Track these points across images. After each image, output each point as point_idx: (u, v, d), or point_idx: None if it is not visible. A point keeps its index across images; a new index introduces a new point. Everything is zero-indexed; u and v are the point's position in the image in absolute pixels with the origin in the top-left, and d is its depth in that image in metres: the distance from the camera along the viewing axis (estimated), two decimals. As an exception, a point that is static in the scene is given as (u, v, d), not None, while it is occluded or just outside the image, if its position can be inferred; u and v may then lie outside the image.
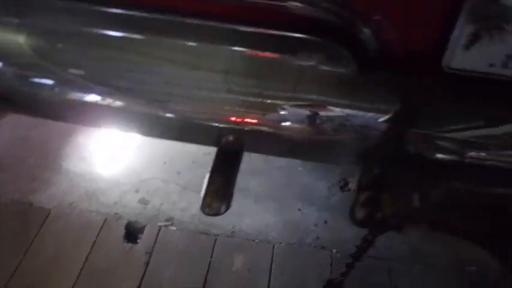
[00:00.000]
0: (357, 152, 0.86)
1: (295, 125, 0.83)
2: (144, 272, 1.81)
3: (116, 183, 2.11)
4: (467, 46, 0.75)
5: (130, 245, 1.90)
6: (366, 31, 0.77)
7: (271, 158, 2.26)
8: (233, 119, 0.86)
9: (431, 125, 0.80)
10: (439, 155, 0.81)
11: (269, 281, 1.81)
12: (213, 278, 1.81)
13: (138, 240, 1.92)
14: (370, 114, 0.78)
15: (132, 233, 1.95)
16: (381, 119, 0.78)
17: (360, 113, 0.79)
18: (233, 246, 1.93)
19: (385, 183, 0.84)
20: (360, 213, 0.88)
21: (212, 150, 2.41)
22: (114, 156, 2.24)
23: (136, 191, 2.09)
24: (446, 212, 0.87)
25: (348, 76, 0.79)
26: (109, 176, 2.15)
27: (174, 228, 1.98)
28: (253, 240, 1.96)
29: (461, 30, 0.74)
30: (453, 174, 0.84)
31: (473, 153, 0.81)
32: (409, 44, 0.78)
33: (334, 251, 1.94)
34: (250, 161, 2.25)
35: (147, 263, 1.84)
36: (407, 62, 0.79)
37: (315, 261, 1.91)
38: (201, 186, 2.15)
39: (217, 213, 0.97)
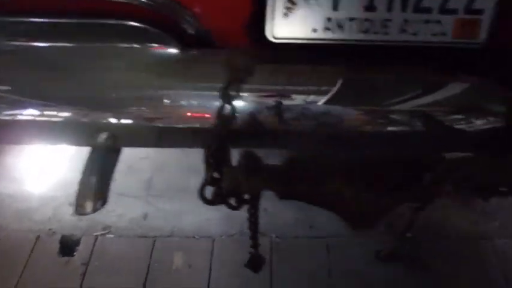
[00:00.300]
0: (193, 132, 0.88)
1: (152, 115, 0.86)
2: (81, 282, 1.77)
3: (49, 199, 2.06)
4: (286, 14, 0.78)
5: (66, 258, 1.86)
6: (187, 13, 0.79)
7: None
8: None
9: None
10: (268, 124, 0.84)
11: (209, 275, 1.81)
12: (153, 279, 1.80)
13: (75, 253, 1.88)
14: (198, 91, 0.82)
15: (67, 246, 1.91)
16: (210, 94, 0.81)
17: (188, 92, 0.82)
18: (173, 245, 1.91)
19: (225, 160, 0.85)
20: (208, 192, 0.90)
21: (149, 155, 2.37)
22: (45, 172, 2.19)
23: (70, 204, 2.04)
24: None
25: (172, 57, 0.82)
26: (42, 193, 2.10)
27: (112, 235, 1.95)
28: (193, 237, 1.95)
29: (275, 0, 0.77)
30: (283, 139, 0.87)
31: (302, 121, 0.84)
32: (232, 19, 0.80)
33: (273, 236, 1.95)
34: (187, 159, 2.25)
35: (84, 274, 1.80)
36: (235, 37, 0.81)
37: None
38: (139, 191, 2.12)
39: (88, 212, 0.97)
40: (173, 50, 0.85)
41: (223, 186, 0.88)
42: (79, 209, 0.98)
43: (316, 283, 1.81)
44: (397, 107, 0.87)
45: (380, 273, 1.82)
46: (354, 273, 1.83)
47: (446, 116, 0.88)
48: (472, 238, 2.00)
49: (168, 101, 0.85)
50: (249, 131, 0.86)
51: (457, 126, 0.89)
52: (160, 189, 2.12)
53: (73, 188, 2.04)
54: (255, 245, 1.21)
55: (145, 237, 1.94)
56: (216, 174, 0.88)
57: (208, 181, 0.88)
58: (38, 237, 1.91)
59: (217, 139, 0.83)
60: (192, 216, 2.00)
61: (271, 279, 1.81)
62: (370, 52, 0.84)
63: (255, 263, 1.24)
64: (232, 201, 0.94)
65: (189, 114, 0.87)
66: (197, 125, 0.88)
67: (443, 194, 0.99)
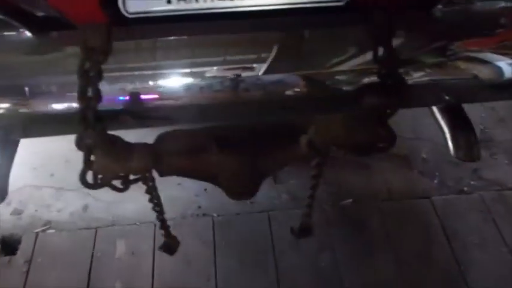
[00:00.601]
0: (60, 118, 0.86)
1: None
2: (25, 280, 1.76)
3: (-14, 201, 2.01)
4: None
5: (8, 258, 1.83)
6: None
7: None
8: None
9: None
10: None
11: (153, 260, 1.81)
12: (97, 268, 1.79)
13: (17, 251, 1.85)
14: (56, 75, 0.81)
15: (8, 246, 1.88)
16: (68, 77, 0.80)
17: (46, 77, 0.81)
18: (115, 234, 1.91)
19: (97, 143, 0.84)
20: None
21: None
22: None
23: (8, 204, 2.01)
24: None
25: (24, 42, 0.80)
26: (-23, 195, 2.04)
27: (53, 231, 1.93)
28: (135, 224, 1.94)
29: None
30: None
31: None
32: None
33: (215, 215, 1.96)
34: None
35: (27, 271, 1.79)
36: (90, 15, 0.79)
37: (198, 229, 1.92)
38: (76, 183, 2.09)
39: None
40: (25, 36, 0.82)
41: (95, 169, 0.86)
42: None
43: (259, 256, 1.83)
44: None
45: (324, 239, 1.86)
46: (297, 242, 1.86)
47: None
48: (412, 197, 2.05)
49: (28, 89, 0.82)
50: (113, 111, 0.84)
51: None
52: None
53: (9, 188, 2.02)
54: (166, 232, 1.21)
55: (87, 228, 1.92)
56: (92, 157, 0.86)
57: (86, 165, 0.86)
58: (-23, 239, 1.88)
59: (84, 123, 0.81)
60: (132, 204, 1.99)
61: (215, 258, 1.82)
62: (231, 19, 0.83)
63: (168, 246, 1.25)
64: (117, 183, 0.93)
65: (51, 100, 0.84)
66: (63, 110, 0.85)
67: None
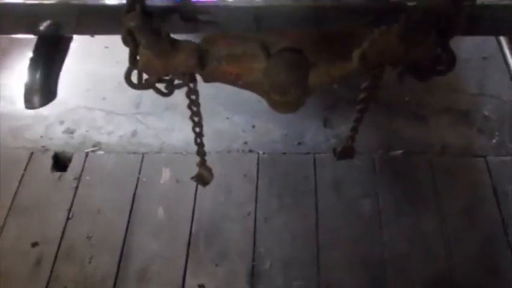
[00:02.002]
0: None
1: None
2: (74, 195, 1.84)
3: (41, 118, 2.09)
4: None
5: (58, 174, 1.92)
6: None
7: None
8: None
9: None
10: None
11: (196, 190, 1.84)
12: (142, 192, 1.84)
13: (67, 169, 1.93)
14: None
15: (60, 162, 1.96)
16: None
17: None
18: (161, 161, 1.94)
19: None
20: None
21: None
22: (37, 91, 2.19)
23: (61, 122, 2.07)
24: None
25: None
26: (33, 112, 2.11)
27: (102, 152, 1.98)
28: (181, 153, 1.96)
29: None
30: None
31: None
32: None
33: (261, 152, 1.95)
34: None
35: (76, 187, 1.87)
36: None
37: (242, 164, 1.92)
38: (128, 108, 2.11)
39: (36, 107, 0.94)
40: None
41: (140, 66, 0.83)
42: (27, 104, 0.97)
43: (301, 196, 1.82)
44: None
45: (368, 187, 1.82)
46: (340, 186, 1.83)
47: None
48: (466, 155, 1.95)
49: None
50: (162, 8, 0.80)
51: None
52: (149, 106, 2.11)
53: (63, 107, 2.07)
54: (201, 161, 1.18)
55: (135, 153, 1.96)
56: (137, 57, 0.83)
57: (131, 62, 0.83)
58: (32, 154, 1.96)
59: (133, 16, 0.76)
60: (179, 134, 2.00)
61: (257, 194, 1.83)
62: None
63: (201, 177, 1.24)
64: (161, 86, 0.91)
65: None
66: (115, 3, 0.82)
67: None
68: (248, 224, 1.76)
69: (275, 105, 0.91)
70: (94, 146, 1.99)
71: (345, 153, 1.24)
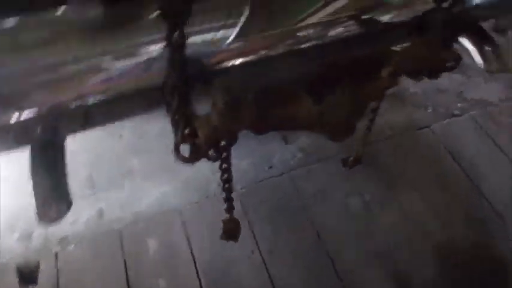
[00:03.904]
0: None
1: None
2: (59, 304, 1.63)
3: (-15, 232, 1.81)
4: None
5: (31, 286, 1.68)
6: None
7: (144, 131, 2.13)
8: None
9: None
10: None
11: (189, 245, 1.75)
12: (134, 271, 1.70)
13: (37, 280, 1.70)
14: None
15: (26, 275, 1.71)
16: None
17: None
18: (141, 231, 1.81)
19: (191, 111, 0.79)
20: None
21: (78, 149, 2.14)
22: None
23: (12, 229, 1.83)
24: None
25: None
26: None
27: (72, 246, 1.78)
28: (158, 215, 1.85)
29: None
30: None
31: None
32: None
33: (238, 188, 1.92)
34: (122, 141, 2.09)
35: (58, 294, 1.65)
36: None
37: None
38: (84, 189, 1.92)
39: (58, 218, 0.84)
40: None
41: (200, 138, 0.81)
42: (42, 219, 0.84)
43: (293, 215, 1.83)
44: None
45: (350, 184, 1.90)
46: (323, 192, 1.89)
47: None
48: (412, 129, 2.14)
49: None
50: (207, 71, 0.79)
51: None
52: (104, 182, 1.97)
53: (10, 211, 1.83)
54: (229, 207, 1.15)
55: (109, 233, 1.80)
56: (187, 130, 0.81)
57: (181, 139, 0.80)
58: (-11, 276, 1.69)
59: (174, 91, 0.74)
60: (148, 197, 1.89)
61: (252, 229, 1.80)
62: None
63: (230, 230, 1.19)
64: (211, 152, 0.88)
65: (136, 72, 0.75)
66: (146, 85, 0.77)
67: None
68: (256, 262, 1.72)
69: (336, 137, 0.95)
70: (60, 242, 1.79)
71: (355, 162, 1.32)
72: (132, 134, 2.11)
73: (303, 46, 0.84)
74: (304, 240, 1.77)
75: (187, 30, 0.72)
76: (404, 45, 0.97)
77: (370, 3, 0.88)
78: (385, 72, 0.95)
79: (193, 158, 0.85)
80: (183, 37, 0.70)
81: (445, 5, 0.88)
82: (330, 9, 0.83)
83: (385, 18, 0.89)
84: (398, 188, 1.91)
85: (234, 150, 0.93)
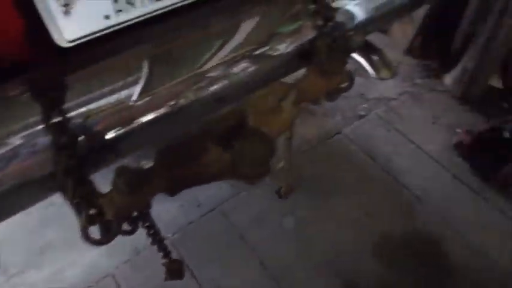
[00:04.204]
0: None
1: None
2: None
3: None
4: (67, 12, 0.66)
5: None
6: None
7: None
8: None
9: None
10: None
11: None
12: None
13: None
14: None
15: None
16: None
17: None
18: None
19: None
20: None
21: None
22: None
23: None
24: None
25: None
26: None
27: None
28: (91, 286, 1.69)
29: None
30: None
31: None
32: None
33: (170, 235, 1.83)
34: (31, 215, 1.89)
35: None
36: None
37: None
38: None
39: None
40: None
41: (108, 215, 0.74)
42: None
43: (235, 249, 1.78)
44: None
45: (275, 204, 1.89)
46: (257, 218, 1.86)
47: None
48: (325, 138, 2.21)
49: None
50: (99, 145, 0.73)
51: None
52: (18, 263, 1.76)
53: None
54: (166, 253, 1.09)
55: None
56: (92, 211, 0.74)
57: (88, 222, 0.73)
58: None
59: (67, 174, 0.68)
60: (71, 268, 1.73)
61: (194, 275, 1.71)
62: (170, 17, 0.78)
63: (174, 270, 1.12)
64: (126, 226, 0.82)
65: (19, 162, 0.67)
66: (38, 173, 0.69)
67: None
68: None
69: (251, 179, 0.93)
70: None
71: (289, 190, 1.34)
72: (41, 204, 1.91)
73: (203, 94, 0.82)
74: (249, 270, 1.72)
75: (80, 99, 0.67)
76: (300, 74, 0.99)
77: (264, 36, 0.88)
78: (287, 104, 0.96)
79: (106, 239, 0.78)
80: (63, 115, 0.65)
81: (326, 30, 0.91)
82: (226, 50, 0.83)
83: (281, 47, 0.90)
84: (328, 197, 1.95)
85: (156, 198, 0.87)
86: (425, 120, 2.31)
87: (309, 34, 0.92)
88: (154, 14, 0.76)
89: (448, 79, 2.50)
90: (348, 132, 2.22)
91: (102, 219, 0.75)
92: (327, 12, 0.91)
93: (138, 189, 0.76)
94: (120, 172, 0.74)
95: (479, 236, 1.81)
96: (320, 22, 0.90)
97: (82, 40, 0.70)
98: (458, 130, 2.18)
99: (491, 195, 1.96)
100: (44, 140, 0.67)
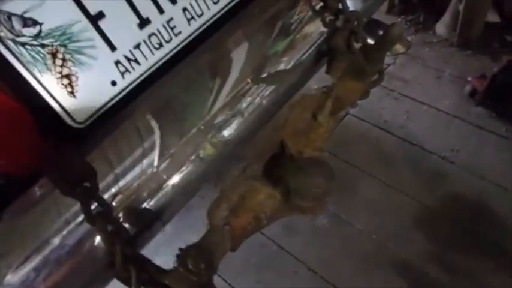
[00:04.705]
0: None
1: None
2: None
3: None
4: (71, 92, 0.61)
5: None
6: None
7: None
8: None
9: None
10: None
11: None
12: None
13: None
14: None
15: None
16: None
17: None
18: None
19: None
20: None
21: None
22: None
23: None
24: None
25: None
26: None
27: None
28: None
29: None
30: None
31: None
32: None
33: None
34: None
35: None
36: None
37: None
38: None
39: None
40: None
41: None
42: None
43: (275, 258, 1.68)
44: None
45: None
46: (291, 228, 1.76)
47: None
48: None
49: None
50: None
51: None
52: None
53: None
54: None
55: None
56: None
57: None
58: None
59: (127, 264, 0.61)
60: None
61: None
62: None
63: None
64: None
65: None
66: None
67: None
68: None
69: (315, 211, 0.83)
70: None
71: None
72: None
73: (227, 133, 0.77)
74: (299, 276, 1.62)
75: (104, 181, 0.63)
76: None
77: (261, 63, 0.82)
78: (324, 117, 0.86)
79: None
80: (104, 203, 0.59)
81: (339, 24, 0.83)
82: (227, 88, 0.77)
83: (281, 67, 0.84)
84: (353, 184, 1.84)
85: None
86: (430, 77, 2.19)
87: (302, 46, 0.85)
88: (158, 65, 0.70)
89: (441, 28, 2.38)
90: (355, 112, 2.10)
91: None
92: (336, 4, 0.82)
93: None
94: (187, 253, 0.65)
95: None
96: (330, 17, 0.82)
97: (95, 116, 0.64)
98: (469, 78, 2.05)
99: (522, 136, 1.85)
100: (86, 231, 0.62)
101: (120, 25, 0.66)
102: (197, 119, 0.75)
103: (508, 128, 1.90)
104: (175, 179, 0.72)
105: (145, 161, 0.69)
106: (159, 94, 0.71)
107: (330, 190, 0.79)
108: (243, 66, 0.80)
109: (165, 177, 0.71)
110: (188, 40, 0.74)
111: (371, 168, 1.86)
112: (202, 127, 0.74)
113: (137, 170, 0.68)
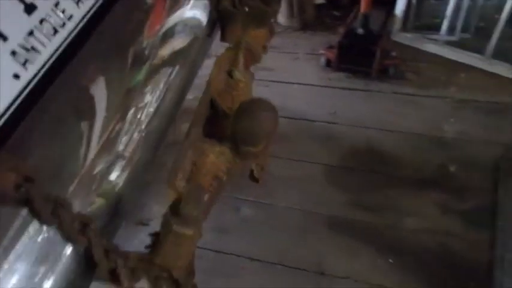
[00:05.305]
0: None
1: None
2: None
3: None
4: None
5: None
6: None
7: None
8: None
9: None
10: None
11: None
12: None
13: None
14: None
15: None
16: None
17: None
18: None
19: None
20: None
21: None
22: None
23: None
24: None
25: None
26: None
27: None
28: None
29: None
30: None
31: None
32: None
33: None
34: None
35: None
36: None
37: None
38: None
39: None
40: None
41: None
42: None
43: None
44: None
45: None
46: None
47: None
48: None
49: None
50: None
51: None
52: None
53: None
54: None
55: None
56: None
57: None
58: None
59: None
60: None
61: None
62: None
63: None
64: None
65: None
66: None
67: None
68: None
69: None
70: None
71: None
72: None
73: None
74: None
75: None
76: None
77: (126, 95, 0.74)
78: (240, 72, 0.86)
79: None
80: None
81: None
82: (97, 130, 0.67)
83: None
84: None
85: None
86: (288, 60, 2.39)
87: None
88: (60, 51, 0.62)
89: (281, 18, 2.62)
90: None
91: None
92: None
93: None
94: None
95: (392, 118, 1.94)
96: None
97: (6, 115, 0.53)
98: (321, 51, 2.29)
99: (377, 84, 2.12)
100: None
101: (4, 12, 0.59)
102: (73, 174, 0.62)
103: (365, 82, 2.17)
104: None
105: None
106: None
107: (276, 123, 0.79)
108: (108, 102, 0.70)
109: None
110: (83, 23, 0.69)
111: (273, 150, 1.93)
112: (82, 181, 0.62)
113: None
